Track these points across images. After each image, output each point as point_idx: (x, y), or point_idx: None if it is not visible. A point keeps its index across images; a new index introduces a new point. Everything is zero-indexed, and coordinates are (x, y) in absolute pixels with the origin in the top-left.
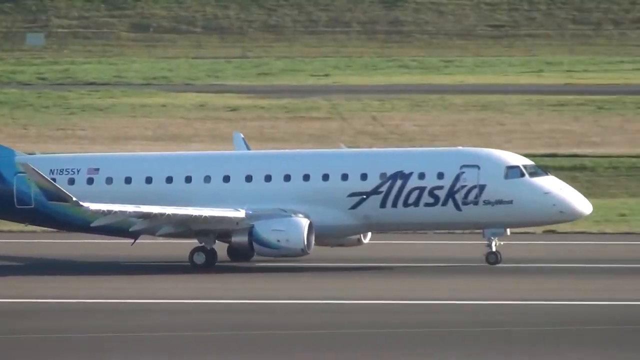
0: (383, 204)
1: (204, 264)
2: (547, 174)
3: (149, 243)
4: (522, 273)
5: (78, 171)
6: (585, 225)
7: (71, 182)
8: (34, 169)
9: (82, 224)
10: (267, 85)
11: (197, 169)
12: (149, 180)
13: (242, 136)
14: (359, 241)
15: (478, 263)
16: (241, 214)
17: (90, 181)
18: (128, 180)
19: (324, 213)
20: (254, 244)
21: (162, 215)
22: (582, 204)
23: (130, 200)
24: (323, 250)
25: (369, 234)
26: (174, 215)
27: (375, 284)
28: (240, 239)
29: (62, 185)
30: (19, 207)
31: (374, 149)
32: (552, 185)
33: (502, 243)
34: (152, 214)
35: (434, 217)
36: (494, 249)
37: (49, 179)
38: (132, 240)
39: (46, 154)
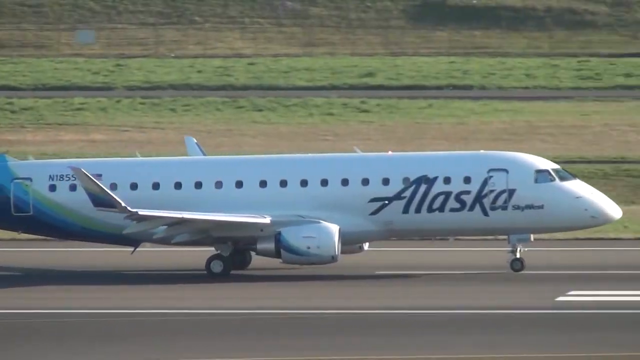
0: (406, 210)
1: (221, 273)
2: (575, 178)
3: (146, 252)
4: None
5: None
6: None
7: (72, 188)
8: (85, 173)
9: (80, 231)
10: None
11: (208, 174)
12: (156, 186)
13: (195, 141)
14: (360, 248)
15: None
16: (267, 220)
17: None
18: (134, 187)
19: (342, 219)
20: (282, 251)
21: (204, 221)
22: (613, 208)
23: (135, 207)
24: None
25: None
26: (218, 221)
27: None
28: (266, 245)
29: (63, 191)
30: (16, 214)
31: (398, 153)
32: (582, 189)
33: (525, 249)
34: (197, 220)
35: (459, 223)
36: (518, 256)
37: (100, 184)
38: (132, 249)
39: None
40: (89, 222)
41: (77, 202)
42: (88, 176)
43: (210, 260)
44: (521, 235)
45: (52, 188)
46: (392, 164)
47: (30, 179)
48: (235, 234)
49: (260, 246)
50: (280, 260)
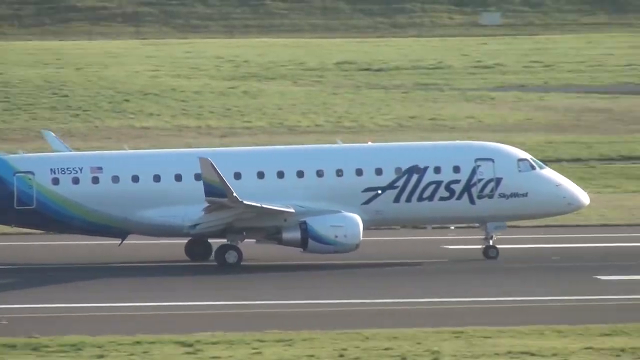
0: (397, 199)
1: (236, 263)
2: (546, 166)
3: (137, 244)
4: None
5: (81, 170)
6: None
7: (75, 181)
8: (211, 165)
9: (81, 224)
10: None
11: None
12: (157, 178)
13: (54, 135)
14: None
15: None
16: (291, 209)
17: (95, 180)
18: (135, 179)
19: (336, 209)
20: (309, 240)
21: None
22: (584, 195)
23: (138, 199)
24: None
25: None
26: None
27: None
28: (292, 235)
29: (66, 184)
30: (18, 207)
31: (389, 144)
32: (558, 177)
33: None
34: (275, 211)
35: (447, 212)
36: (491, 243)
37: (222, 175)
38: (120, 241)
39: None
40: (92, 215)
41: (80, 195)
42: (213, 167)
43: (222, 250)
44: (498, 223)
45: (55, 181)
46: (384, 154)
47: (32, 173)
48: (262, 224)
49: (285, 235)
50: (302, 250)
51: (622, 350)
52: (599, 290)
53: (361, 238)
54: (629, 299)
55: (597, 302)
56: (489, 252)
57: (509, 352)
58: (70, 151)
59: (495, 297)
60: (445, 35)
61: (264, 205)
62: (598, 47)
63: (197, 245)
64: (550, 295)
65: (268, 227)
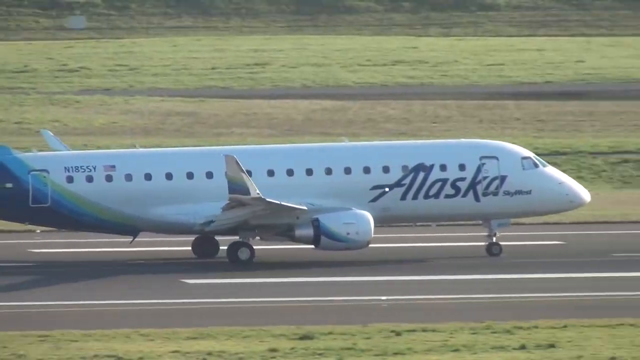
0: (404, 197)
1: (248, 260)
2: (548, 164)
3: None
4: None
5: (94, 168)
6: None
7: (89, 179)
8: (236, 162)
9: (94, 222)
10: None
11: (219, 165)
12: (169, 176)
13: (52, 134)
14: None
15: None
16: (303, 207)
17: (109, 178)
18: (148, 177)
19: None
20: (322, 237)
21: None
22: (585, 193)
23: (150, 197)
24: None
25: None
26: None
27: None
28: (305, 232)
29: (80, 182)
30: (33, 205)
31: (396, 142)
32: (561, 175)
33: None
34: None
35: (452, 209)
36: (494, 240)
37: (246, 173)
38: (131, 239)
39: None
40: (105, 212)
41: (94, 193)
42: (238, 165)
43: (235, 248)
44: (502, 220)
45: (70, 179)
46: (391, 152)
47: (47, 171)
48: (276, 221)
49: (298, 233)
50: (313, 246)
51: (209, 353)
52: (185, 294)
53: (372, 235)
54: (214, 302)
55: (182, 305)
56: (493, 249)
57: (96, 356)
58: (68, 149)
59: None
60: (31, 38)
61: (283, 203)
62: (183, 51)
63: (205, 243)
64: (138, 299)
65: (281, 224)
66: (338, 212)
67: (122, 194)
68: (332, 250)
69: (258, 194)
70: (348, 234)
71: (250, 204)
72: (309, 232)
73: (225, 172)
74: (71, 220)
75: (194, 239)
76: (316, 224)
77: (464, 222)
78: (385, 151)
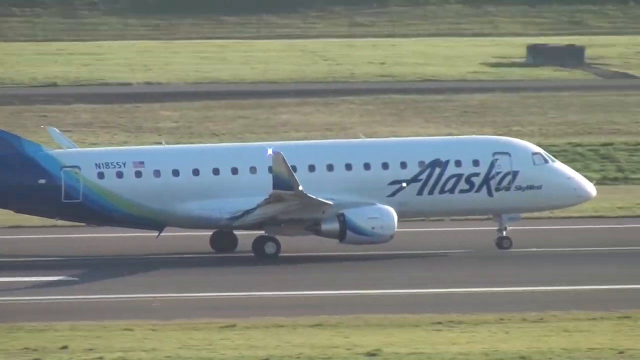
0: (420, 192)
1: (274, 254)
2: (556, 160)
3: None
4: None
5: (124, 164)
6: None
7: (119, 175)
8: (282, 158)
9: (123, 217)
10: None
11: (243, 161)
12: (196, 172)
13: (58, 131)
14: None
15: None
16: (329, 202)
17: (138, 174)
18: (175, 173)
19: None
20: (347, 231)
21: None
22: (591, 187)
23: (178, 193)
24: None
25: None
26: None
27: None
28: (331, 227)
29: (111, 178)
30: (65, 201)
31: (412, 138)
32: (568, 170)
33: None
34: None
35: (467, 204)
36: (504, 234)
37: (290, 169)
38: (157, 233)
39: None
40: (134, 208)
41: (123, 188)
42: (284, 161)
43: (261, 242)
44: (513, 215)
45: (101, 175)
46: (408, 148)
47: (78, 167)
48: (304, 216)
49: (325, 227)
50: (338, 241)
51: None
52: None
53: (396, 229)
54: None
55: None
56: (503, 243)
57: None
58: (74, 145)
59: None
60: None
61: (319, 199)
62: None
63: (224, 237)
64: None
65: (309, 219)
66: (363, 207)
67: (151, 190)
68: (356, 244)
69: (301, 189)
70: (373, 228)
71: (289, 199)
72: (335, 226)
73: (272, 168)
74: (101, 215)
75: (212, 233)
76: (342, 219)
77: (476, 216)
78: (403, 147)
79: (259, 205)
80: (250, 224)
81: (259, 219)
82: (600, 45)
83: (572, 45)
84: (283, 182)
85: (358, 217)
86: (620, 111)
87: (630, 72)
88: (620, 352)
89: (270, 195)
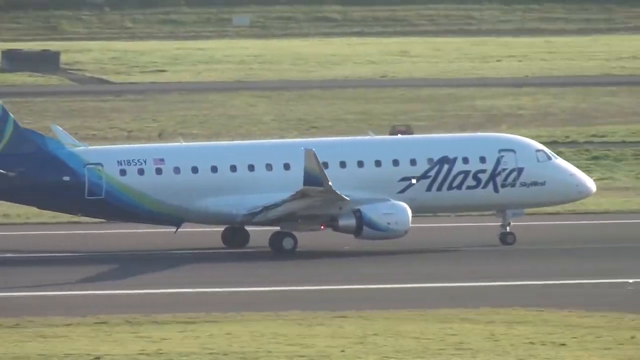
0: (429, 188)
1: (292, 249)
2: (558, 157)
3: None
4: None
5: (145, 162)
6: None
7: (140, 172)
8: (315, 156)
9: (144, 214)
10: None
11: (260, 158)
12: (214, 169)
13: (61, 129)
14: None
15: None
16: (346, 198)
17: (158, 171)
18: (194, 170)
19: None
20: (364, 227)
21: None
22: (591, 183)
23: (196, 189)
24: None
25: None
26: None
27: None
28: (348, 222)
29: (133, 175)
30: (88, 197)
31: (420, 136)
32: (570, 166)
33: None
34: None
35: (473, 200)
36: (508, 230)
37: (322, 166)
38: (175, 229)
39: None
40: (155, 204)
41: (145, 185)
42: (316, 158)
43: (279, 238)
44: (516, 211)
45: (123, 172)
46: (416, 146)
47: (101, 164)
48: (322, 211)
49: (342, 223)
50: (354, 236)
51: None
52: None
53: (410, 225)
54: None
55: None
56: (507, 239)
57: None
58: (78, 143)
59: None
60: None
61: (344, 196)
62: None
63: (235, 233)
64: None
65: (326, 215)
66: (377, 203)
67: (171, 187)
68: (371, 240)
69: (330, 185)
70: (388, 223)
71: (316, 196)
72: (352, 222)
73: (304, 165)
74: (123, 211)
75: (223, 229)
76: (358, 215)
77: (482, 212)
78: (412, 144)
79: (284, 201)
80: (271, 219)
81: (281, 214)
82: (76, 50)
83: (47, 51)
84: (314, 179)
85: (374, 213)
86: (97, 117)
87: (105, 77)
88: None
89: (298, 192)
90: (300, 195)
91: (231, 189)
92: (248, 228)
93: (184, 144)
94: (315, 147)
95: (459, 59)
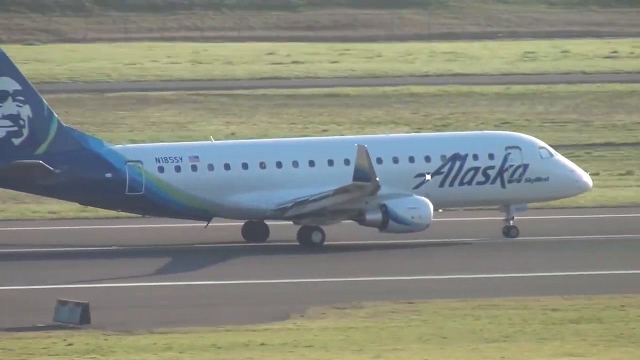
0: (442, 184)
1: (320, 242)
2: (558, 153)
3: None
4: None
5: (181, 159)
6: None
7: (177, 169)
8: (366, 152)
9: (180, 209)
10: None
11: (287, 155)
12: (245, 166)
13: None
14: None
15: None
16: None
17: (194, 168)
18: (227, 167)
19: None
20: (390, 221)
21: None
22: (588, 178)
23: (229, 185)
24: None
25: None
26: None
27: None
28: (374, 216)
29: (170, 172)
30: (129, 193)
31: (433, 134)
32: (570, 163)
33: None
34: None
35: (482, 195)
36: (512, 223)
37: (371, 161)
38: (206, 223)
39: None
40: (190, 200)
41: (182, 181)
42: (367, 154)
43: (308, 231)
44: (520, 205)
45: (161, 169)
46: (429, 143)
47: (141, 162)
48: (351, 206)
49: (369, 217)
50: (379, 230)
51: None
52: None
53: (432, 219)
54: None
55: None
56: (511, 232)
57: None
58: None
59: None
60: None
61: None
62: None
63: (256, 227)
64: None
65: (354, 209)
66: (402, 198)
67: (205, 183)
68: (396, 233)
69: (377, 180)
70: (412, 217)
71: (356, 191)
72: (379, 216)
73: (355, 160)
74: (161, 207)
75: (244, 224)
76: (384, 209)
77: (488, 207)
78: (426, 142)
79: (325, 196)
80: (304, 214)
81: (316, 209)
82: None
83: None
84: (363, 174)
85: (399, 207)
86: None
87: None
88: None
89: (341, 187)
90: (342, 190)
91: (261, 184)
92: (269, 223)
93: (215, 142)
94: (340, 145)
95: None
